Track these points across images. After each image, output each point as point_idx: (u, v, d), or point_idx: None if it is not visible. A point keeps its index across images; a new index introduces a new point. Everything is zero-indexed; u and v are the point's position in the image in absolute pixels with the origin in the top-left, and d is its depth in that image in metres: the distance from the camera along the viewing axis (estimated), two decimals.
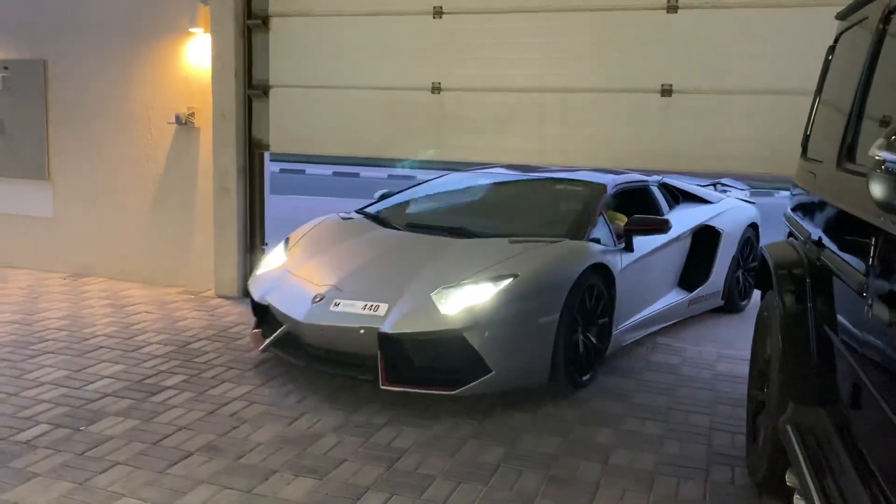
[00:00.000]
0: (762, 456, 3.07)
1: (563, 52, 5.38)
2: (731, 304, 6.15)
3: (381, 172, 18.34)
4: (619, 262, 4.64)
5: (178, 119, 6.33)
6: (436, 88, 5.70)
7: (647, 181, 5.69)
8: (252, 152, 6.32)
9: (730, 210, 6.15)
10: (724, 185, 6.78)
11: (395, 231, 4.95)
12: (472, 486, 3.23)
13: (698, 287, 5.68)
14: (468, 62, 5.61)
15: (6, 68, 6.86)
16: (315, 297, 4.21)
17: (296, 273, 4.58)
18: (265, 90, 6.19)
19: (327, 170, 19.12)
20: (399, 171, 18.23)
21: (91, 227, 6.89)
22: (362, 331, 3.95)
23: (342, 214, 5.32)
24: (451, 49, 5.64)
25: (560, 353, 4.07)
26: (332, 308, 4.11)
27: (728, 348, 5.27)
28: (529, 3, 5.39)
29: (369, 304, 4.05)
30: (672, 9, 5.07)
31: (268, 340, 4.41)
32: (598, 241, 4.61)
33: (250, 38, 6.18)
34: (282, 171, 17.70)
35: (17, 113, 6.91)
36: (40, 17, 6.76)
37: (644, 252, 4.93)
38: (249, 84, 6.21)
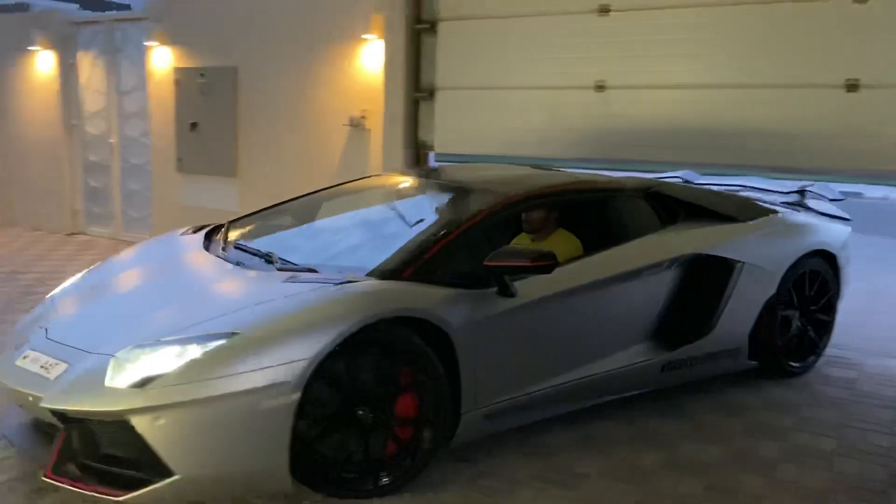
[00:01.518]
0: None
1: (736, 47, 5.16)
2: (772, 364, 4.41)
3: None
4: (470, 313, 3.20)
5: (351, 121, 6.70)
6: (599, 87, 5.66)
7: (619, 189, 4.14)
8: (418, 153, 6.58)
9: (769, 233, 4.38)
10: (812, 192, 5.15)
11: (201, 254, 3.86)
12: (627, 487, 3.21)
13: (694, 341, 4.01)
14: (634, 59, 5.52)
15: (203, 75, 7.56)
16: (18, 342, 3.29)
17: (56, 304, 3.62)
18: (431, 92, 6.42)
19: None
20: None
21: None
22: (30, 398, 2.96)
23: (193, 228, 4.39)
24: (616, 46, 5.58)
25: (319, 451, 2.94)
26: (17, 361, 3.13)
27: None
28: None
29: (49, 360, 3.04)
30: None
31: None
32: (442, 280, 3.24)
33: (419, 42, 6.43)
34: None
35: (211, 116, 7.60)
36: (232, 28, 7.39)
37: (548, 294, 3.45)
38: (417, 87, 6.46)
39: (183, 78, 7.72)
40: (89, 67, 8.60)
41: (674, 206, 4.26)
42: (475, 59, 6.22)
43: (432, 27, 6.34)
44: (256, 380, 2.77)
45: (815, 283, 4.58)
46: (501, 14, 6.03)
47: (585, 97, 5.72)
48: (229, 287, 3.43)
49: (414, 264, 3.28)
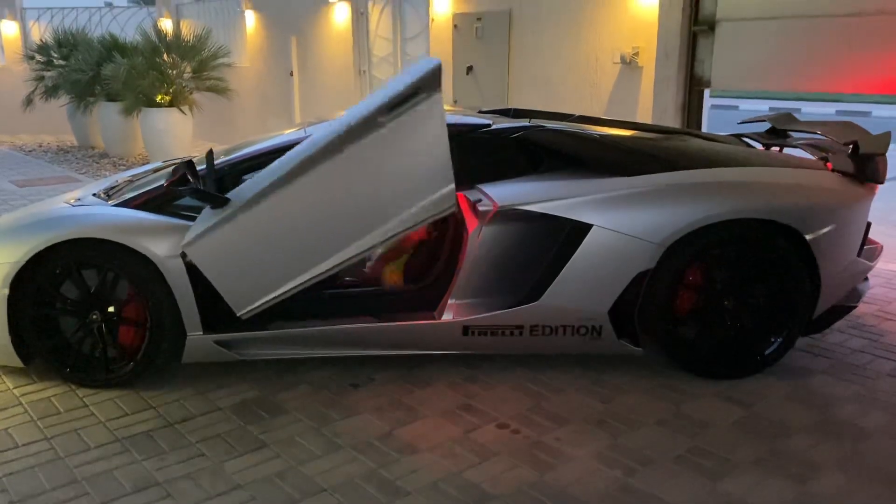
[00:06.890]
0: None
1: None
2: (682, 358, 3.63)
3: (829, 108, 16.62)
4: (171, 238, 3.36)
5: (622, 59, 6.62)
6: None
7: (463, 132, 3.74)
8: (692, 90, 6.35)
9: (655, 193, 3.47)
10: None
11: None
12: None
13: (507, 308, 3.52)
14: None
15: (479, 19, 7.88)
16: None
17: None
18: (711, 25, 6.12)
19: (763, 105, 17.96)
20: (847, 107, 16.40)
21: None
22: None
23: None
24: None
25: (56, 340, 3.52)
26: None
27: None
28: None
29: None
30: None
31: None
32: (176, 213, 3.53)
33: None
34: (713, 107, 17.15)
35: (486, 57, 7.93)
36: None
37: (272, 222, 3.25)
38: (695, 20, 6.19)
39: (461, 23, 8.11)
40: (377, 16, 9.36)
41: (540, 154, 3.77)
42: None
43: None
44: None
45: (735, 262, 3.53)
46: None
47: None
48: (41, 209, 3.90)
49: (146, 196, 3.66)
